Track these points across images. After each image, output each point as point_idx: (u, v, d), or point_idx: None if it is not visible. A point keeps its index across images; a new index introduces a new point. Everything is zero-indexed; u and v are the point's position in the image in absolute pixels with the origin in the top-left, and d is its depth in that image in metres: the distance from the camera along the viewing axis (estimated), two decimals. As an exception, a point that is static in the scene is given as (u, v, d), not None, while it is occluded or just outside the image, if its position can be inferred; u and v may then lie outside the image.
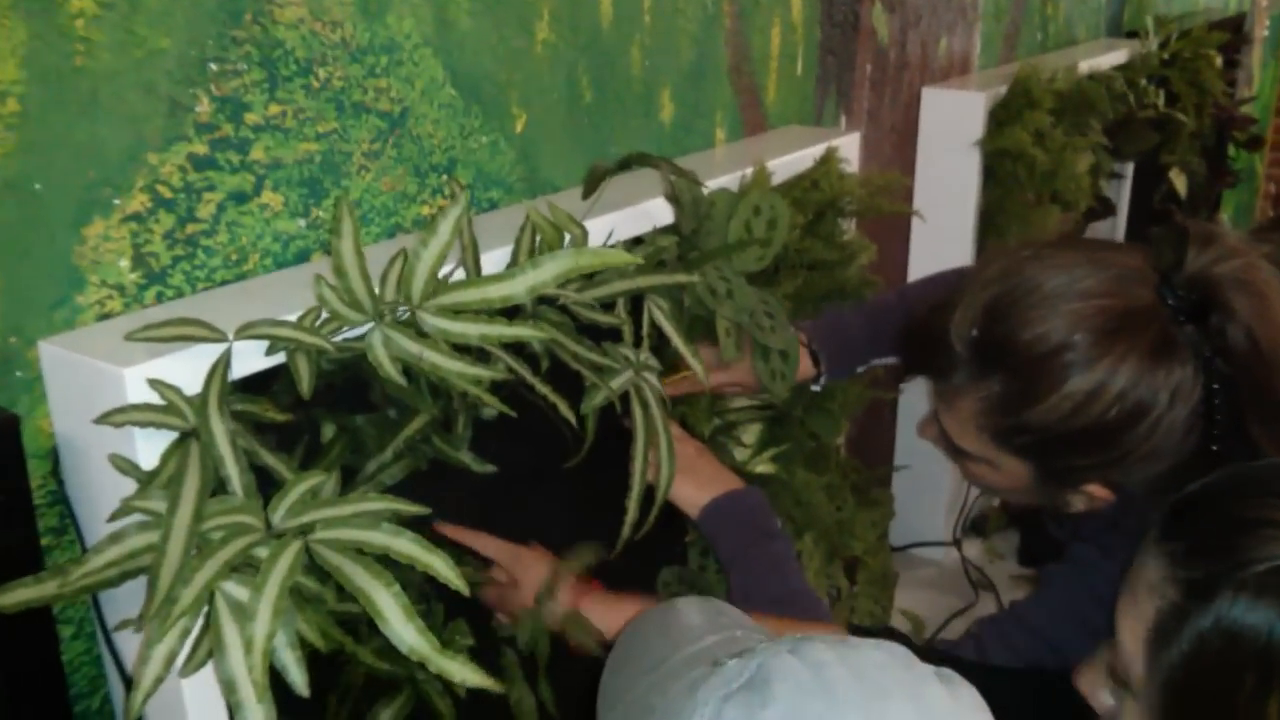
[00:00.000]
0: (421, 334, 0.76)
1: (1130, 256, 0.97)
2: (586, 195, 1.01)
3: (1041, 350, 0.94)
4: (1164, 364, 0.92)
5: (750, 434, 1.43)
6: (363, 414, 0.97)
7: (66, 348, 0.81)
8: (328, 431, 0.94)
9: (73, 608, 0.88)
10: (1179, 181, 2.67)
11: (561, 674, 1.24)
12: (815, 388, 1.41)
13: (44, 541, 0.85)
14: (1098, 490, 1.00)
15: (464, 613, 1.08)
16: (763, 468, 1.41)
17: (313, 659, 0.91)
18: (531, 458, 1.07)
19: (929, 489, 2.03)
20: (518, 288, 0.77)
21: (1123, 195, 2.54)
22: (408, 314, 0.76)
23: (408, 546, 0.68)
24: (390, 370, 0.75)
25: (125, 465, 0.76)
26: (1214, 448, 0.93)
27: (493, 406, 0.83)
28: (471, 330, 0.76)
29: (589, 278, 1.03)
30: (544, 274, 0.77)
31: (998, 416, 0.98)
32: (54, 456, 0.84)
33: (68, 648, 0.89)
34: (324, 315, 0.78)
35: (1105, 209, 2.20)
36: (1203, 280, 0.92)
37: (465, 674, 0.67)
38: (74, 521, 0.85)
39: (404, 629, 0.66)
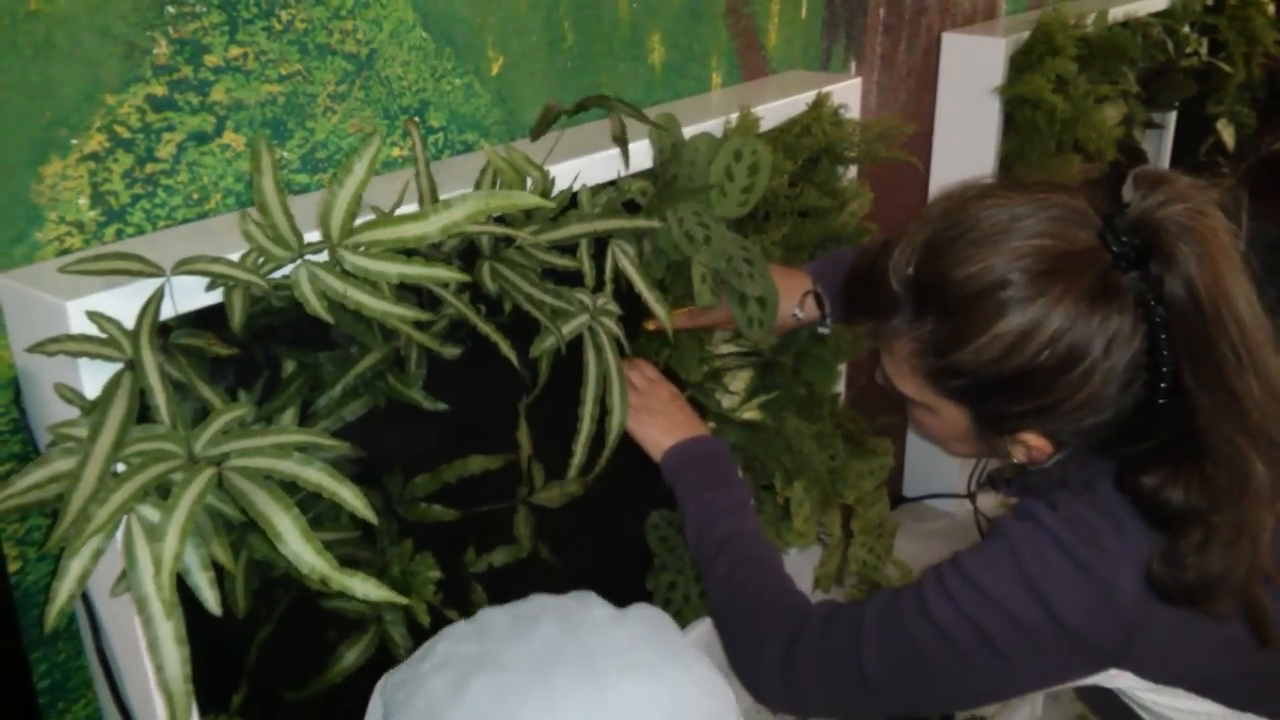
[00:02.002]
0: (347, 273, 0.78)
1: (1076, 198, 0.95)
2: (535, 137, 1.02)
3: (975, 288, 0.92)
4: (1100, 310, 0.89)
5: (740, 381, 1.44)
6: (326, 351, 1.00)
7: (21, 281, 0.84)
8: (288, 367, 0.97)
9: (39, 531, 0.92)
10: (1226, 133, 2.60)
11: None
12: (823, 329, 1.39)
13: (8, 468, 0.89)
14: (1034, 440, 0.98)
15: (435, 547, 1.11)
16: (750, 414, 1.42)
17: (268, 592, 0.96)
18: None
19: (945, 441, 2.02)
20: (431, 227, 0.78)
21: (1163, 146, 2.47)
22: (328, 252, 0.78)
23: (316, 476, 0.71)
24: (316, 306, 0.77)
25: (70, 394, 0.79)
26: (1160, 401, 0.91)
27: (431, 347, 0.84)
28: (390, 269, 0.78)
29: (553, 220, 1.04)
30: (456, 214, 0.78)
31: (931, 358, 0.97)
32: (15, 386, 0.88)
33: (33, 569, 0.93)
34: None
35: (1132, 159, 2.15)
36: (1145, 224, 0.89)
37: (367, 590, 0.70)
38: (35, 448, 0.89)
39: (302, 549, 0.69)
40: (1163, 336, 0.89)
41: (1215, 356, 0.87)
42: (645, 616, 0.72)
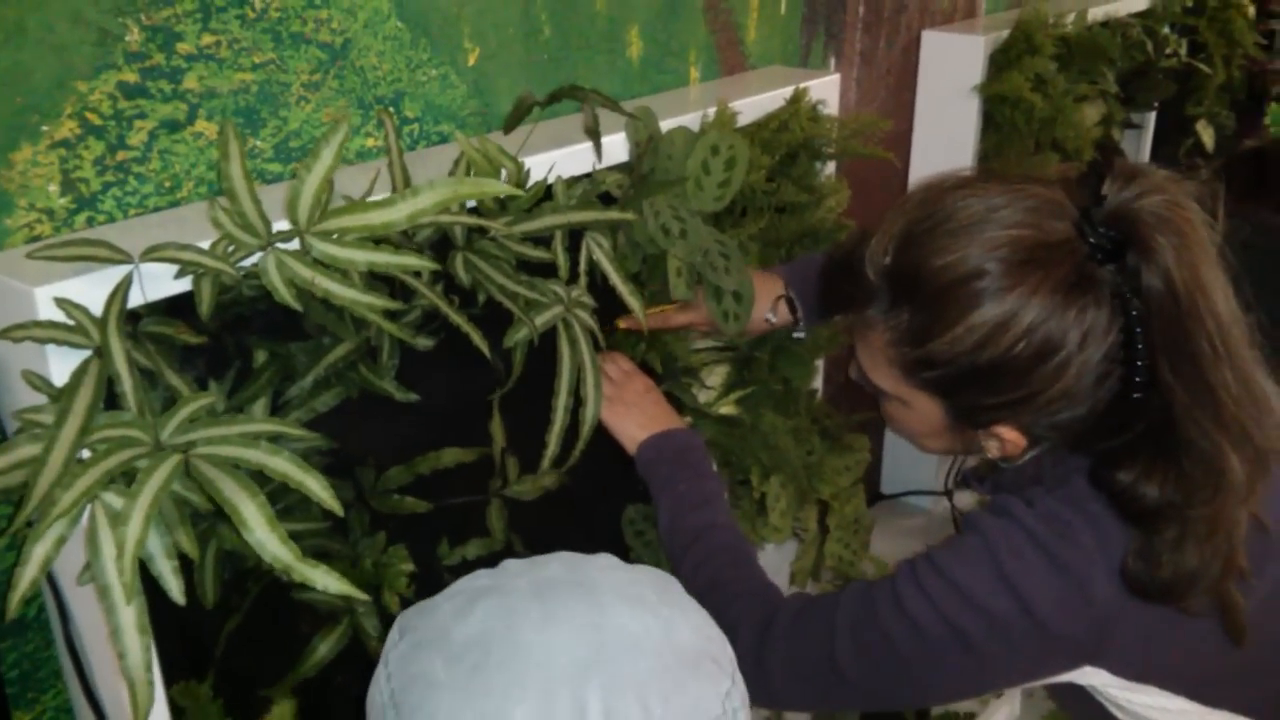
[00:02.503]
0: (317, 261, 0.78)
1: (1053, 190, 0.94)
2: (509, 129, 1.02)
3: (950, 278, 0.92)
4: (1076, 302, 0.89)
5: (716, 375, 1.44)
6: (298, 342, 0.99)
7: (-12, 268, 0.83)
8: (259, 357, 0.96)
9: (6, 521, 0.92)
10: (1206, 134, 2.61)
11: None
12: (798, 334, 1.39)
13: (-25, 455, 0.88)
14: (1008, 433, 0.98)
15: (408, 539, 1.10)
16: (726, 409, 1.42)
17: (238, 584, 0.96)
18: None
19: (923, 438, 2.03)
20: (398, 214, 0.78)
21: (1142, 146, 2.49)
22: (298, 239, 0.78)
23: (283, 465, 0.70)
24: (285, 295, 0.77)
25: (37, 381, 0.79)
26: (1135, 395, 0.91)
27: (401, 337, 0.84)
28: (358, 257, 0.77)
29: (527, 212, 1.04)
30: (423, 201, 0.78)
31: (906, 348, 0.96)
32: (-17, 373, 0.88)
33: (3, 558, 0.92)
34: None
35: (1110, 159, 2.16)
36: (1123, 216, 0.89)
37: (328, 581, 0.70)
38: (2, 434, 0.88)
39: (266, 537, 0.69)
40: (1138, 330, 0.88)
41: (1192, 349, 0.87)
42: (649, 569, 0.78)
